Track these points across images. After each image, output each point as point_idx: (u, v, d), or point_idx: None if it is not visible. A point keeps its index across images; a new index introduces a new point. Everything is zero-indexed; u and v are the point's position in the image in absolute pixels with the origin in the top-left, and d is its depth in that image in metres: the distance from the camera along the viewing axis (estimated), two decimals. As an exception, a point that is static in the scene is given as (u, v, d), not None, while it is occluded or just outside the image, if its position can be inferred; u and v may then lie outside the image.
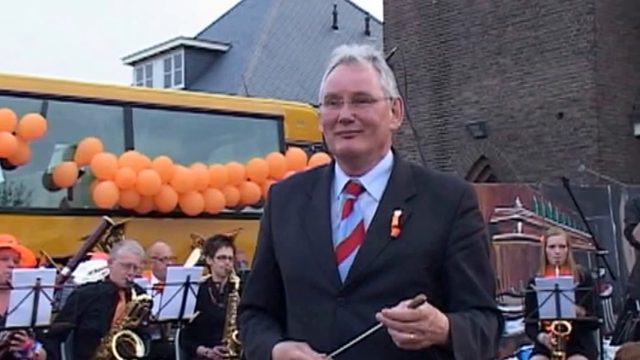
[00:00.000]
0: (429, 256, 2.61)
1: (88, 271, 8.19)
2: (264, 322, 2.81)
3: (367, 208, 2.68)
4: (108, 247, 9.23)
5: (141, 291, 7.19)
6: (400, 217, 2.61)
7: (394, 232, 2.60)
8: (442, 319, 2.48)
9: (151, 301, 7.14)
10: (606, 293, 10.93)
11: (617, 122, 19.57)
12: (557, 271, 8.21)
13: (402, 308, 2.41)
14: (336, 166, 2.78)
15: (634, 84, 19.97)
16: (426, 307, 2.43)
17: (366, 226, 2.65)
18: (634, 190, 13.80)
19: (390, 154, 2.77)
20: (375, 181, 2.70)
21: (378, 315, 2.42)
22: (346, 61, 2.70)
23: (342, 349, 2.53)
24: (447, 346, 2.49)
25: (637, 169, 19.38)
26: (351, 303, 2.59)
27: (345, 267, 2.62)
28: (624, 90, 19.78)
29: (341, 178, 2.74)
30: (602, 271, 8.40)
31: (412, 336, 2.41)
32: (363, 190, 2.70)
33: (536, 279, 8.23)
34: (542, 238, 8.81)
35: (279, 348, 2.63)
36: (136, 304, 7.02)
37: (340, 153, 2.69)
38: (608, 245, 11.23)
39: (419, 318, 2.41)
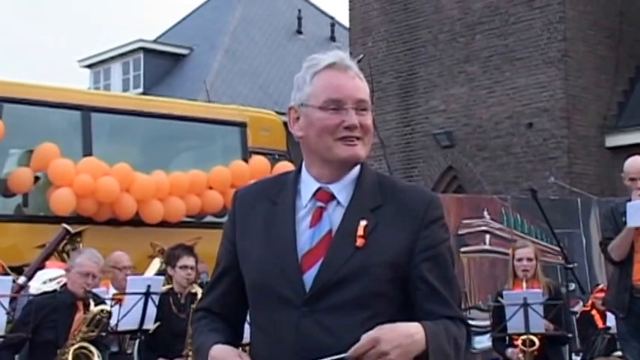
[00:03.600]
0: (394, 267, 2.64)
1: (43, 281, 8.16)
2: (213, 324, 2.84)
3: (335, 217, 2.71)
4: (65, 255, 9.21)
5: (99, 301, 7.19)
6: (365, 227, 2.65)
7: (359, 242, 2.63)
8: (406, 329, 2.53)
9: (109, 312, 7.14)
10: (576, 308, 11.02)
11: (587, 133, 19.75)
12: (524, 284, 8.27)
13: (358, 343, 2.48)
14: (303, 172, 2.79)
15: (605, 94, 20.17)
16: (375, 330, 2.49)
17: (334, 234, 2.69)
18: (604, 203, 13.95)
19: None
20: (345, 190, 2.73)
21: None
22: (342, 68, 2.73)
23: None
24: (425, 354, 2.54)
25: (607, 182, 19.56)
26: (315, 313, 2.61)
27: (309, 276, 2.64)
28: (595, 100, 19.97)
29: (310, 185, 2.76)
30: (572, 286, 8.48)
31: None
32: (332, 197, 2.73)
33: (504, 292, 8.29)
34: (510, 251, 8.88)
35: (219, 349, 2.67)
36: (95, 315, 7.03)
37: (345, 159, 2.71)
38: (578, 259, 11.36)
39: (373, 344, 2.47)
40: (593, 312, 11.00)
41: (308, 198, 2.74)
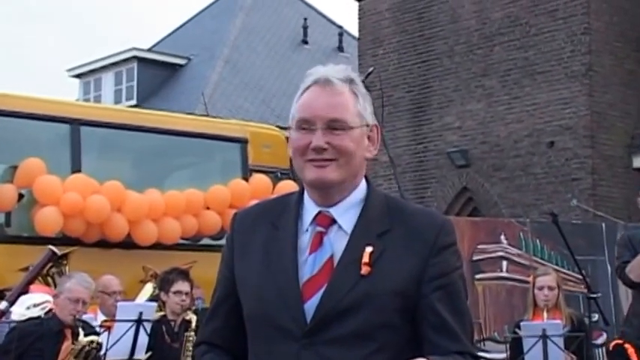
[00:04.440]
0: (401, 296, 2.64)
1: (27, 306, 8.15)
2: (220, 357, 2.85)
3: (337, 243, 2.71)
4: (49, 279, 9.22)
5: (89, 331, 7.18)
6: (371, 254, 2.65)
7: (364, 269, 2.63)
8: None
9: (100, 344, 7.14)
10: (599, 341, 10.99)
11: (613, 153, 19.76)
12: (545, 314, 8.28)
13: None
14: (305, 194, 2.80)
15: (632, 111, 20.18)
16: None
17: (336, 261, 2.69)
18: (631, 228, 13.95)
19: (363, 184, 2.80)
20: (347, 213, 2.74)
21: None
22: (321, 83, 2.73)
23: None
24: None
25: (635, 205, 19.53)
26: (316, 345, 2.62)
27: (311, 306, 2.65)
28: (622, 118, 19.98)
29: (310, 209, 2.77)
30: (596, 316, 8.47)
31: None
32: (333, 222, 2.73)
33: (522, 323, 8.30)
34: (530, 279, 8.89)
35: None
36: (84, 346, 7.02)
37: (311, 183, 2.73)
38: (602, 288, 11.34)
39: None
40: (627, 345, 10.99)
41: (309, 222, 2.75)
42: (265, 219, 2.82)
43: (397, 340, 2.62)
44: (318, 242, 2.71)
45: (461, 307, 2.72)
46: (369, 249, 2.65)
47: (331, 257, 2.69)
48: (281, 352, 2.65)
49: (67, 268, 9.27)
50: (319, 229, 2.73)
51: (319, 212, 2.74)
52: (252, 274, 2.75)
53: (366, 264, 2.63)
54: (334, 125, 2.69)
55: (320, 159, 2.69)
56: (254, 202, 11.17)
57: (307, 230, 2.74)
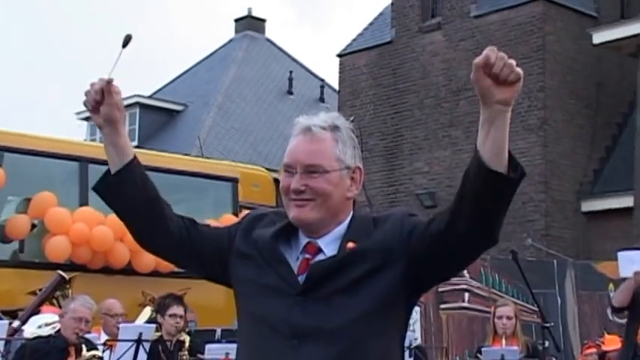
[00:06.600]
0: (386, 251, 2.68)
1: (38, 325, 8.13)
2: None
3: None
4: (54, 300, 9.18)
5: (91, 347, 7.17)
6: (355, 241, 2.72)
7: (350, 245, 2.70)
8: None
9: (101, 358, 7.12)
10: (550, 366, 11.04)
11: (564, 198, 19.87)
12: (503, 341, 8.30)
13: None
14: None
15: (581, 161, 20.34)
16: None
17: None
18: (579, 266, 14.04)
19: (349, 218, 2.83)
20: (334, 244, 2.76)
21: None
22: (303, 132, 2.77)
23: None
24: None
25: (583, 245, 19.65)
26: (307, 301, 2.66)
27: (304, 276, 2.71)
28: (572, 167, 20.12)
29: (301, 239, 2.81)
30: (547, 343, 8.50)
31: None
32: (320, 250, 2.76)
33: (483, 349, 8.30)
34: (490, 309, 8.92)
35: None
36: (86, 360, 7.01)
37: (292, 220, 2.76)
38: (553, 318, 11.39)
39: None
40: None
41: (299, 250, 2.79)
42: (269, 222, 2.87)
43: (383, 288, 2.66)
44: (305, 266, 2.74)
45: None
46: (351, 244, 2.72)
47: None
48: (276, 306, 2.68)
49: (70, 291, 9.23)
50: (307, 255, 2.76)
51: (308, 242, 2.78)
52: (252, 253, 2.80)
53: (351, 242, 2.70)
54: (311, 169, 2.73)
55: (299, 199, 2.73)
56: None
57: (298, 259, 2.77)
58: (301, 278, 2.71)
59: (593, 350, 11.42)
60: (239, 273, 2.84)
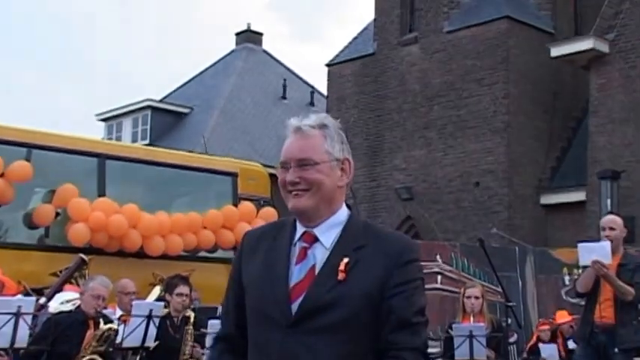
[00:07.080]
0: (369, 298, 2.62)
1: (61, 301, 8.12)
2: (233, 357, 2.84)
3: (319, 255, 2.71)
4: (73, 280, 9.16)
5: (108, 320, 7.17)
6: (347, 264, 2.64)
7: (340, 276, 2.63)
8: None
9: (116, 330, 7.12)
10: (512, 340, 11.06)
11: (525, 192, 19.91)
12: (472, 318, 8.32)
13: None
14: None
15: (540, 159, 20.39)
16: None
17: (317, 269, 2.68)
18: (538, 252, 14.07)
19: (344, 209, 2.80)
20: (328, 232, 2.73)
21: None
22: (294, 131, 2.76)
23: None
24: None
25: (541, 234, 19.71)
26: (297, 334, 2.62)
27: (296, 304, 2.65)
28: (532, 165, 20.17)
29: (299, 228, 2.77)
30: (509, 320, 8.51)
31: None
32: (316, 239, 2.73)
33: (454, 325, 8.33)
34: (460, 290, 8.93)
35: None
36: (103, 332, 7.00)
37: (291, 210, 2.74)
38: (514, 298, 11.41)
39: None
40: (540, 344, 11.21)
41: (297, 239, 2.76)
42: (268, 235, 2.83)
43: (364, 333, 2.61)
44: (303, 255, 2.71)
45: (418, 308, 2.68)
46: (345, 260, 2.65)
47: (313, 266, 2.69)
48: (271, 337, 2.65)
49: (87, 272, 9.20)
50: (304, 244, 2.73)
51: (305, 231, 2.75)
52: (254, 276, 2.75)
53: (342, 271, 2.62)
54: (302, 163, 2.70)
55: (295, 190, 2.70)
56: (242, 223, 11.14)
57: (295, 245, 2.74)
58: (299, 267, 2.69)
59: (547, 327, 11.50)
60: (247, 302, 2.80)
